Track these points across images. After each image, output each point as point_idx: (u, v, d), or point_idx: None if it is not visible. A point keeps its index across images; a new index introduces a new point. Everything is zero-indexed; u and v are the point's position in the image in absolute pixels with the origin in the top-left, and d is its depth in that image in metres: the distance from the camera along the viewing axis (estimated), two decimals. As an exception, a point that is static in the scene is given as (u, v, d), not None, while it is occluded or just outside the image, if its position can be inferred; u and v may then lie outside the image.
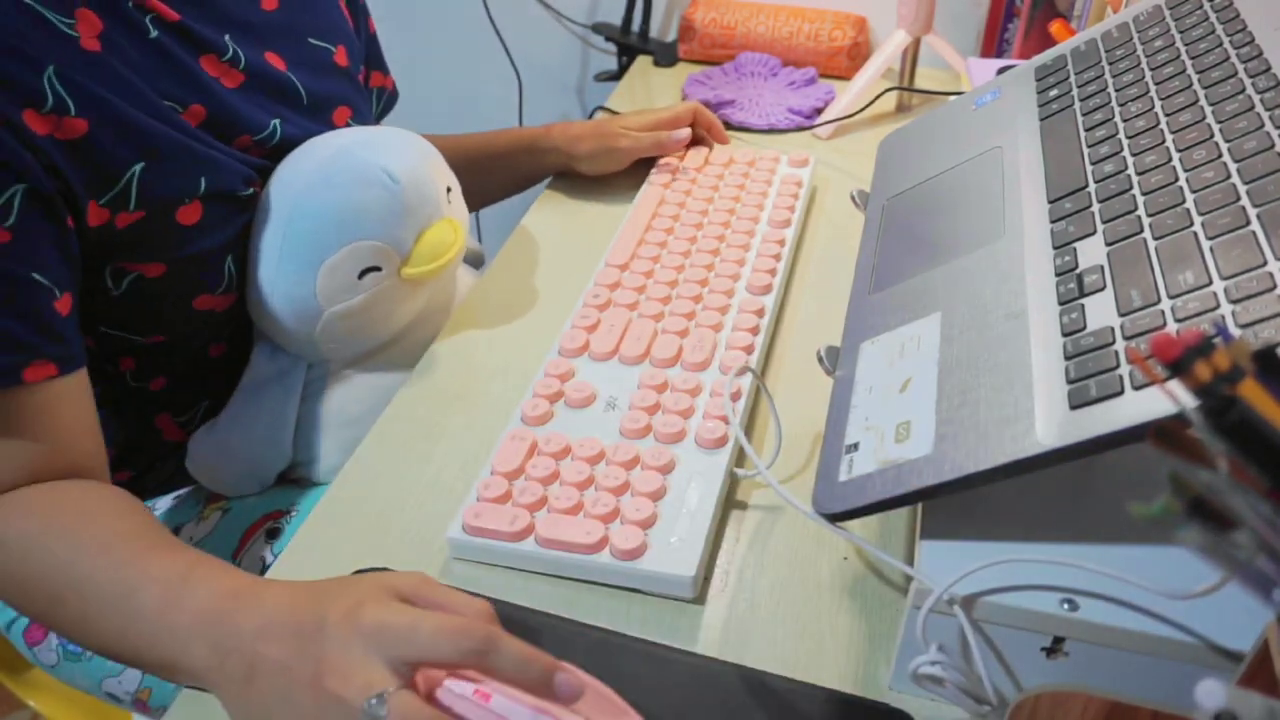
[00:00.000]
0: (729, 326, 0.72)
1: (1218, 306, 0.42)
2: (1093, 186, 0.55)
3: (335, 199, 0.67)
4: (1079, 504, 0.47)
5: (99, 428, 0.62)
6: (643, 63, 1.28)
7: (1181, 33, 0.64)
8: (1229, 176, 0.49)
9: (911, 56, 1.08)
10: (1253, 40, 0.58)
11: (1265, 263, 0.42)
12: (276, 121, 0.70)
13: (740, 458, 0.63)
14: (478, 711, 0.42)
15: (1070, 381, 0.43)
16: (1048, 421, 0.43)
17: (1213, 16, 0.64)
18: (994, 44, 1.17)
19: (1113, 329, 0.44)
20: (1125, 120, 0.59)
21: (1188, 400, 0.26)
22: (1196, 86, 0.58)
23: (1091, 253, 0.50)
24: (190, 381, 0.76)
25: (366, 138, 0.70)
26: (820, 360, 0.59)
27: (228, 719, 0.46)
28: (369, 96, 0.87)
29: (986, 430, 0.44)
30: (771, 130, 1.07)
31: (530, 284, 0.83)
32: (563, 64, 1.47)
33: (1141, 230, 0.49)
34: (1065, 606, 0.42)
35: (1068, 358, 0.45)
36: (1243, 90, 0.55)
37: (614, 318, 0.72)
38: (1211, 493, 0.25)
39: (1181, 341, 0.26)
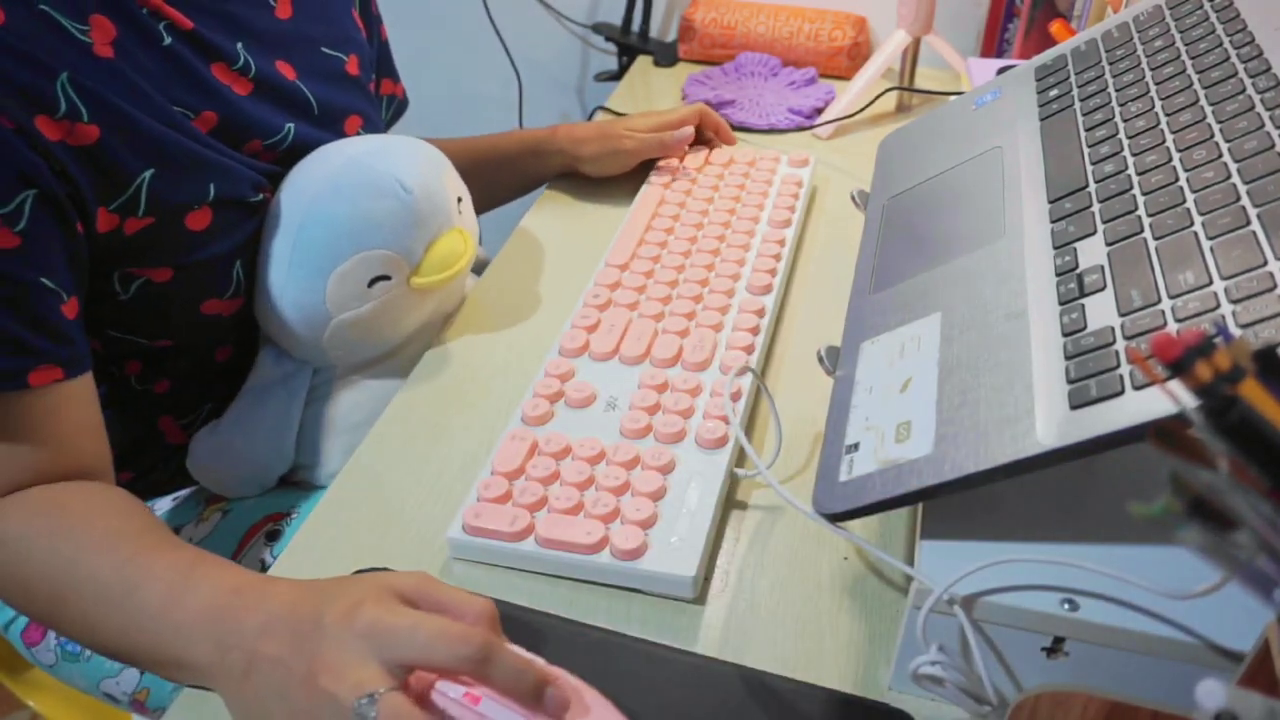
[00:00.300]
0: (729, 326, 0.72)
1: (1218, 306, 0.42)
2: (1093, 186, 0.55)
3: (347, 208, 0.67)
4: (1079, 504, 0.47)
5: (104, 430, 0.62)
6: (643, 63, 1.28)
7: (1181, 33, 0.64)
8: (1229, 176, 0.49)
9: (911, 56, 1.08)
10: (1253, 40, 0.58)
11: (1265, 263, 0.42)
12: (290, 126, 0.70)
13: (740, 458, 0.63)
14: (467, 714, 0.42)
15: (1070, 381, 0.43)
16: (1048, 421, 0.43)
17: (1213, 16, 0.64)
18: (994, 44, 1.17)
19: (1113, 329, 0.44)
20: (1125, 120, 0.59)
21: (1188, 400, 0.26)
22: (1197, 86, 0.58)
23: (1092, 253, 0.50)
24: (195, 384, 0.77)
25: (379, 147, 0.70)
26: (820, 360, 0.59)
27: (226, 719, 0.46)
28: (379, 104, 0.87)
29: (987, 430, 0.44)
30: (771, 130, 1.07)
31: (530, 284, 0.83)
32: (563, 64, 1.47)
33: (1142, 230, 0.49)
34: (1065, 606, 0.42)
35: (1068, 358, 0.45)
36: (1243, 90, 0.55)
37: (614, 318, 0.72)
38: (1212, 493, 0.25)
39: (1182, 341, 0.26)
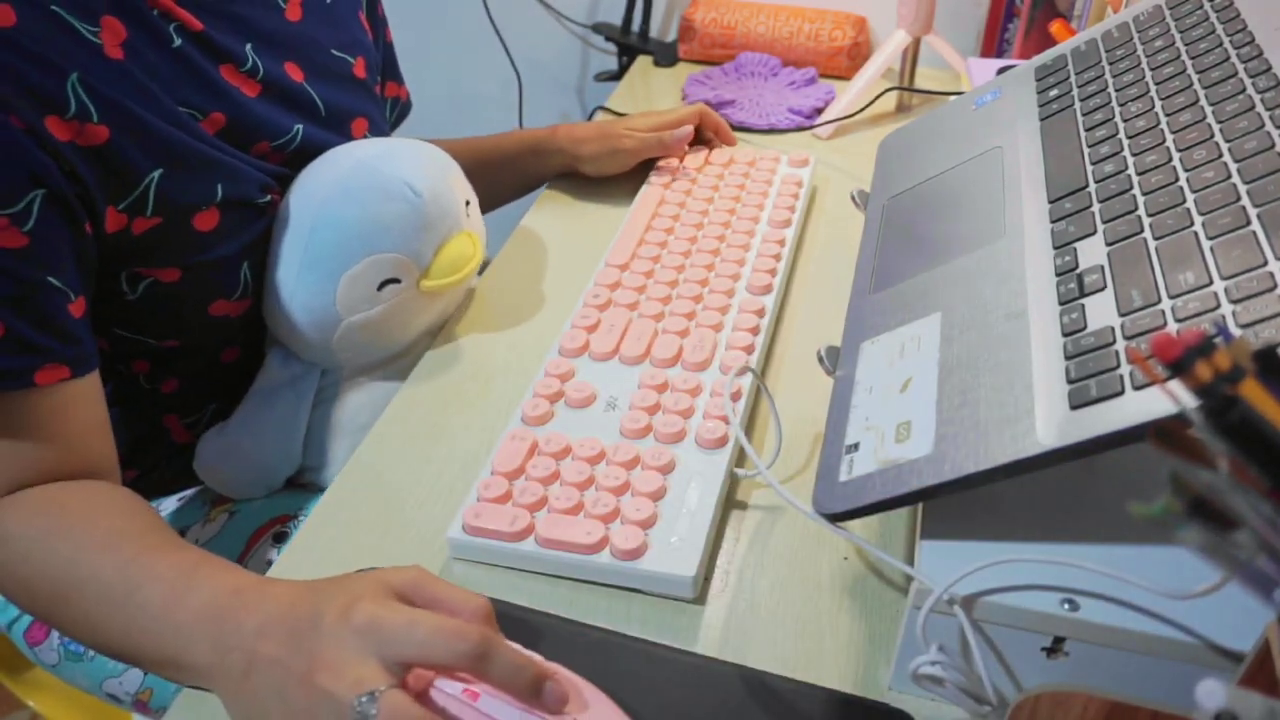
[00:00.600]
0: (729, 326, 0.72)
1: (1218, 306, 0.42)
2: (1093, 186, 0.55)
3: (357, 211, 0.67)
4: (1079, 504, 0.47)
5: (110, 429, 0.62)
6: (643, 63, 1.28)
7: (1181, 33, 0.64)
8: (1229, 176, 0.49)
9: (911, 56, 1.08)
10: (1253, 40, 0.58)
11: (1265, 262, 0.42)
12: (298, 127, 0.70)
13: (740, 458, 0.63)
14: (466, 711, 0.42)
15: (1071, 381, 0.43)
16: (1048, 421, 0.43)
17: (1213, 16, 0.64)
18: (994, 44, 1.17)
19: (1113, 329, 0.44)
20: (1125, 120, 0.59)
21: (1188, 400, 0.26)
22: (1197, 86, 0.58)
23: (1092, 253, 0.50)
24: (202, 384, 0.77)
25: (387, 150, 0.70)
26: (820, 360, 0.59)
27: None
28: (384, 107, 0.87)
29: (987, 430, 0.44)
30: (771, 130, 1.07)
31: (530, 284, 0.83)
32: (563, 64, 1.47)
33: (1142, 230, 0.49)
34: (1065, 606, 0.42)
35: (1068, 358, 0.45)
36: (1243, 90, 0.55)
37: (614, 318, 0.72)
38: (1212, 493, 0.25)
39: (1182, 341, 0.26)
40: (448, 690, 0.43)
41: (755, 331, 0.71)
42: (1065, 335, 0.46)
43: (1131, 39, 0.68)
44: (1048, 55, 0.73)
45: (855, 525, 0.57)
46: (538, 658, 0.44)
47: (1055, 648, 0.43)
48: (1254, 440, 0.25)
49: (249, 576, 0.50)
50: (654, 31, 1.33)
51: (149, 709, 0.74)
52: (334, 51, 0.75)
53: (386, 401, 0.71)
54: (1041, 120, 0.65)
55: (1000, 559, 0.44)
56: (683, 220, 0.85)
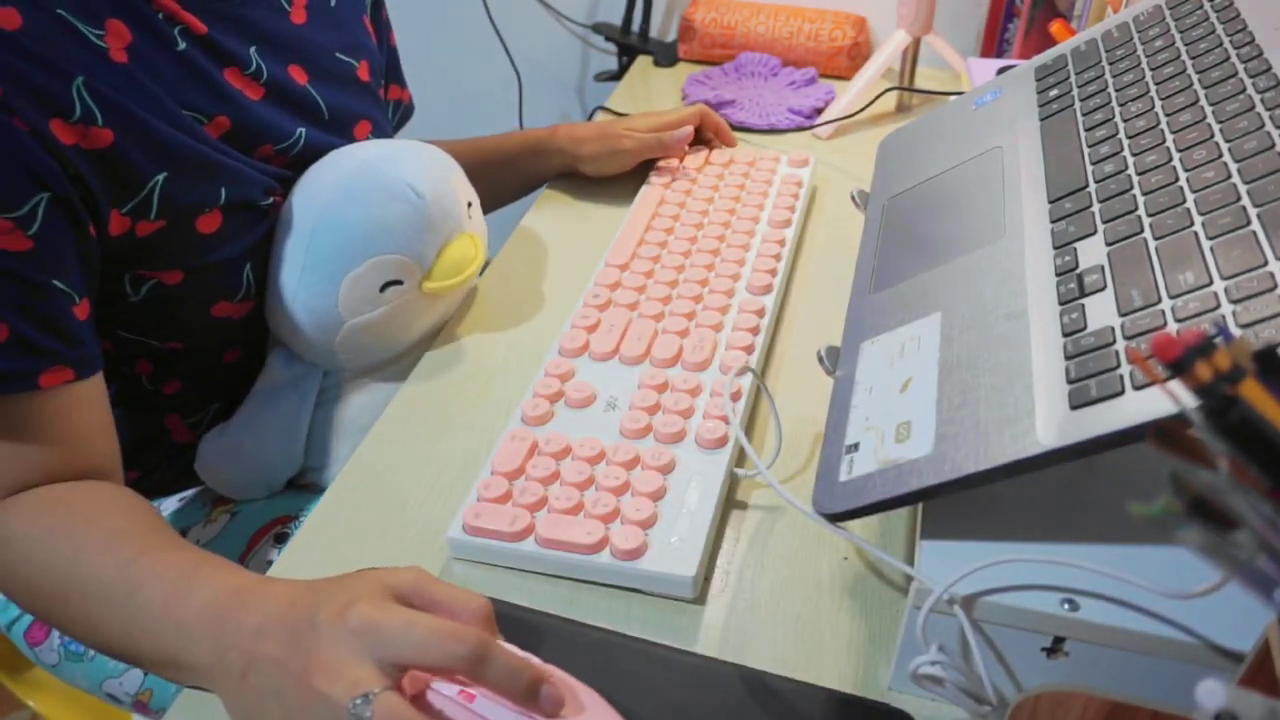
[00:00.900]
0: (729, 326, 0.72)
1: (1218, 306, 0.42)
2: (1093, 186, 0.55)
3: (360, 213, 0.67)
4: (1079, 504, 0.47)
5: (114, 430, 0.62)
6: (643, 63, 1.28)
7: (1181, 33, 0.64)
8: (1229, 176, 0.49)
9: (911, 56, 1.08)
10: (1253, 40, 0.58)
11: (1266, 263, 0.42)
12: (302, 130, 0.70)
13: (740, 458, 0.63)
14: (461, 713, 0.42)
15: (1071, 381, 0.43)
16: (1048, 421, 0.43)
17: (1213, 16, 0.64)
18: (994, 44, 1.17)
19: (1113, 329, 0.44)
20: (1125, 120, 0.59)
21: (1188, 400, 0.26)
22: (1197, 86, 0.58)
23: (1092, 253, 0.50)
24: (204, 385, 0.77)
25: (390, 152, 0.70)
26: (820, 360, 0.59)
27: None
28: (388, 110, 0.87)
29: (987, 430, 0.44)
30: (771, 130, 1.07)
31: (530, 284, 0.83)
32: (563, 64, 1.47)
33: (1142, 230, 0.49)
34: (1065, 606, 0.42)
35: (1068, 358, 0.45)
36: (1243, 90, 0.55)
37: (614, 318, 0.72)
38: (1212, 493, 0.25)
39: (1182, 341, 0.26)
40: (444, 692, 0.43)
41: (755, 331, 0.71)
42: (1065, 335, 0.46)
43: (1131, 39, 0.68)
44: (1048, 55, 0.73)
45: (855, 525, 0.57)
46: (535, 660, 0.44)
47: (1055, 648, 0.43)
48: (1254, 440, 0.25)
49: (249, 576, 0.50)
50: (654, 31, 1.33)
51: (149, 709, 0.74)
52: (338, 54, 0.76)
53: (388, 402, 0.72)
54: (1041, 120, 0.65)
55: (1000, 559, 0.44)
56: (683, 220, 0.85)
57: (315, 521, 0.61)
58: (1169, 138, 0.55)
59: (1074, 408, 0.42)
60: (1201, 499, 0.25)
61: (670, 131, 0.91)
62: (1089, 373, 0.43)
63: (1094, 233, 0.52)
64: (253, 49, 0.67)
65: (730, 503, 0.61)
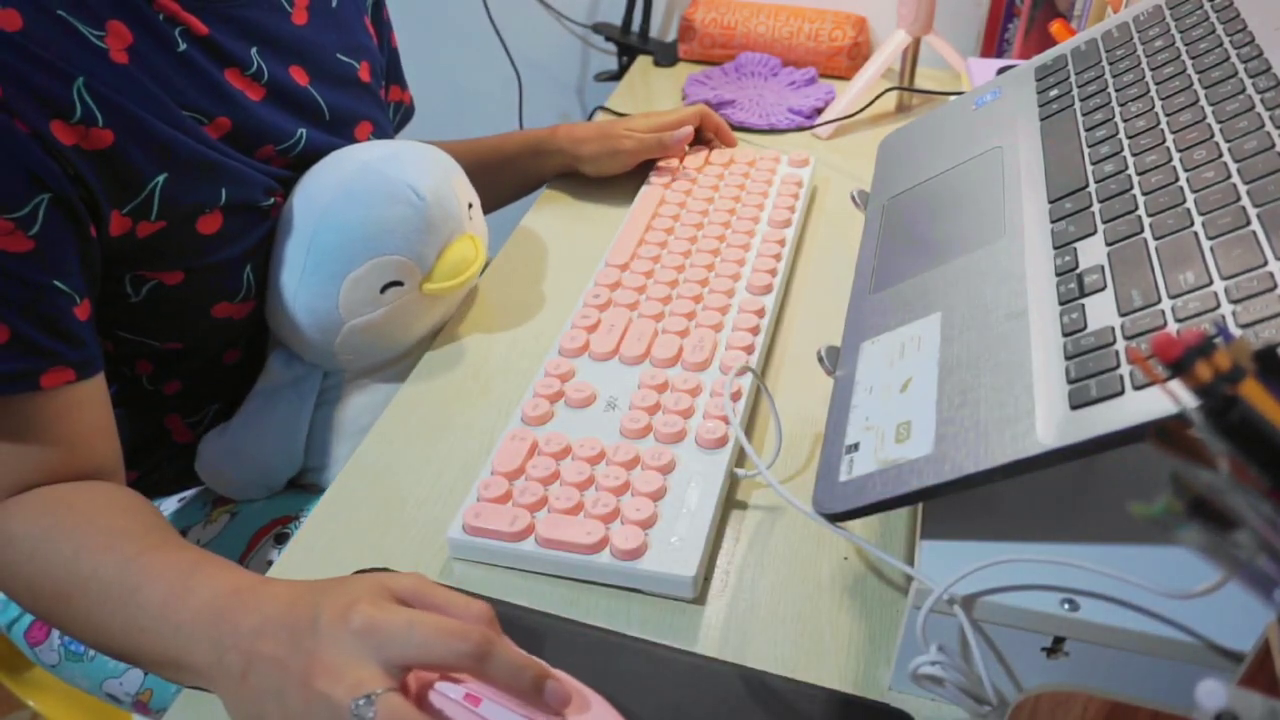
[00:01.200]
0: (729, 326, 0.72)
1: (1218, 306, 0.42)
2: (1093, 186, 0.55)
3: (361, 214, 0.67)
4: (1079, 504, 0.47)
5: (115, 430, 0.62)
6: (643, 63, 1.28)
7: (1181, 33, 0.64)
8: (1229, 176, 0.49)
9: (911, 56, 1.08)
10: (1253, 40, 0.58)
11: (1266, 263, 0.42)
12: (302, 131, 0.70)
13: (740, 458, 0.63)
14: (467, 715, 0.42)
15: (1071, 381, 0.43)
16: (1048, 421, 0.43)
17: (1213, 16, 0.64)
18: (994, 44, 1.17)
19: (1113, 329, 0.44)
20: (1125, 120, 0.59)
21: (1188, 400, 0.26)
22: (1197, 86, 0.58)
23: (1092, 252, 0.50)
24: (204, 385, 0.77)
25: (391, 153, 0.70)
26: (820, 360, 0.59)
27: None
28: (389, 111, 0.87)
29: (987, 430, 0.44)
30: (771, 130, 1.07)
31: (530, 284, 0.83)
32: (563, 64, 1.47)
33: (1142, 230, 0.49)
34: (1065, 606, 0.42)
35: (1068, 358, 0.45)
36: (1243, 90, 0.55)
37: (614, 318, 0.72)
38: (1212, 493, 0.25)
39: (1182, 341, 0.26)
40: (448, 694, 0.43)
41: (755, 331, 0.71)
42: (1065, 335, 0.46)
43: (1131, 39, 0.68)
44: (1048, 55, 0.73)
45: (855, 525, 0.57)
46: (538, 662, 0.44)
47: (1055, 648, 0.43)
48: (1254, 440, 0.25)
49: (249, 576, 0.50)
50: (654, 31, 1.33)
51: (149, 709, 0.74)
52: (339, 55, 0.76)
53: (388, 403, 0.72)
54: (1041, 120, 0.65)
55: (1000, 559, 0.44)
56: (683, 220, 0.85)
57: (315, 521, 0.61)
58: (1169, 138, 0.55)
59: (1074, 408, 0.42)
60: (1201, 499, 0.25)
61: (670, 132, 0.91)
62: (1089, 373, 0.43)
63: (1094, 233, 0.52)
64: (254, 50, 0.67)
65: (730, 503, 0.61)
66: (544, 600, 0.55)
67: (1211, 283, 0.43)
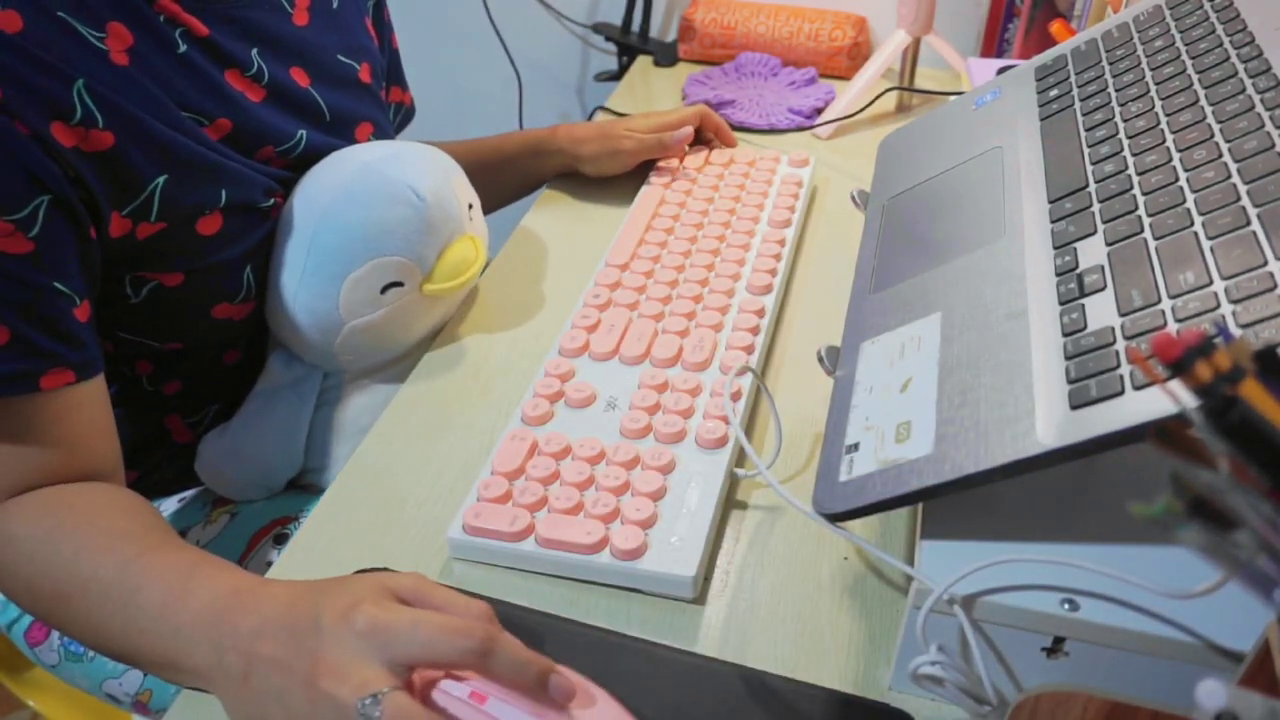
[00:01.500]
0: (729, 326, 0.72)
1: (1218, 306, 0.42)
2: (1093, 186, 0.55)
3: (362, 214, 0.67)
4: (1079, 504, 0.47)
5: (115, 431, 0.62)
6: (643, 63, 1.28)
7: (1181, 33, 0.64)
8: (1229, 176, 0.49)
9: (911, 56, 1.08)
10: (1253, 40, 0.58)
11: (1266, 262, 0.42)
12: (303, 132, 0.70)
13: (740, 458, 0.63)
14: (473, 713, 0.42)
15: (1071, 381, 0.43)
16: (1048, 421, 0.43)
17: (1213, 16, 0.64)
18: (994, 44, 1.17)
19: (1113, 329, 0.44)
20: (1125, 120, 0.59)
21: (1188, 400, 0.26)
22: (1197, 86, 0.58)
23: (1092, 252, 0.50)
24: (204, 386, 0.77)
25: (391, 153, 0.70)
26: (820, 360, 0.59)
27: (227, 720, 0.46)
28: (389, 112, 0.87)
29: (987, 430, 0.44)
30: (771, 130, 1.07)
31: (530, 284, 0.83)
32: (563, 64, 1.47)
33: (1142, 230, 0.49)
34: (1065, 606, 0.42)
35: (1068, 358, 0.45)
36: (1243, 90, 0.55)
37: (614, 318, 0.72)
38: (1212, 493, 0.25)
39: (1182, 341, 0.26)
40: (454, 693, 0.43)
41: (755, 331, 0.71)
42: (1065, 335, 0.46)
43: (1131, 39, 0.68)
44: (1048, 55, 0.73)
45: (855, 525, 0.57)
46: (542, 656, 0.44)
47: (1055, 648, 0.43)
48: (1254, 440, 0.25)
49: (248, 577, 0.50)
50: (654, 31, 1.33)
51: (148, 710, 0.74)
52: (340, 57, 0.76)
53: (388, 403, 0.72)
54: (1041, 120, 0.65)
55: (1000, 559, 0.44)
56: (683, 220, 0.85)
57: (315, 522, 0.61)
58: (1169, 138, 0.55)
59: (1074, 408, 0.42)
60: (1201, 499, 0.25)
61: (670, 132, 0.91)
62: (1089, 373, 0.43)
63: (1094, 233, 0.52)
64: (254, 51, 0.67)
65: (730, 503, 0.61)
66: (544, 600, 0.55)
67: (1211, 283, 0.43)
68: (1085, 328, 0.46)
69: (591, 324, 0.72)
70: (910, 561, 0.48)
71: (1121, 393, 0.41)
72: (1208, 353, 0.26)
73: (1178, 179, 0.51)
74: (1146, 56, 0.64)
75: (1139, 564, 0.42)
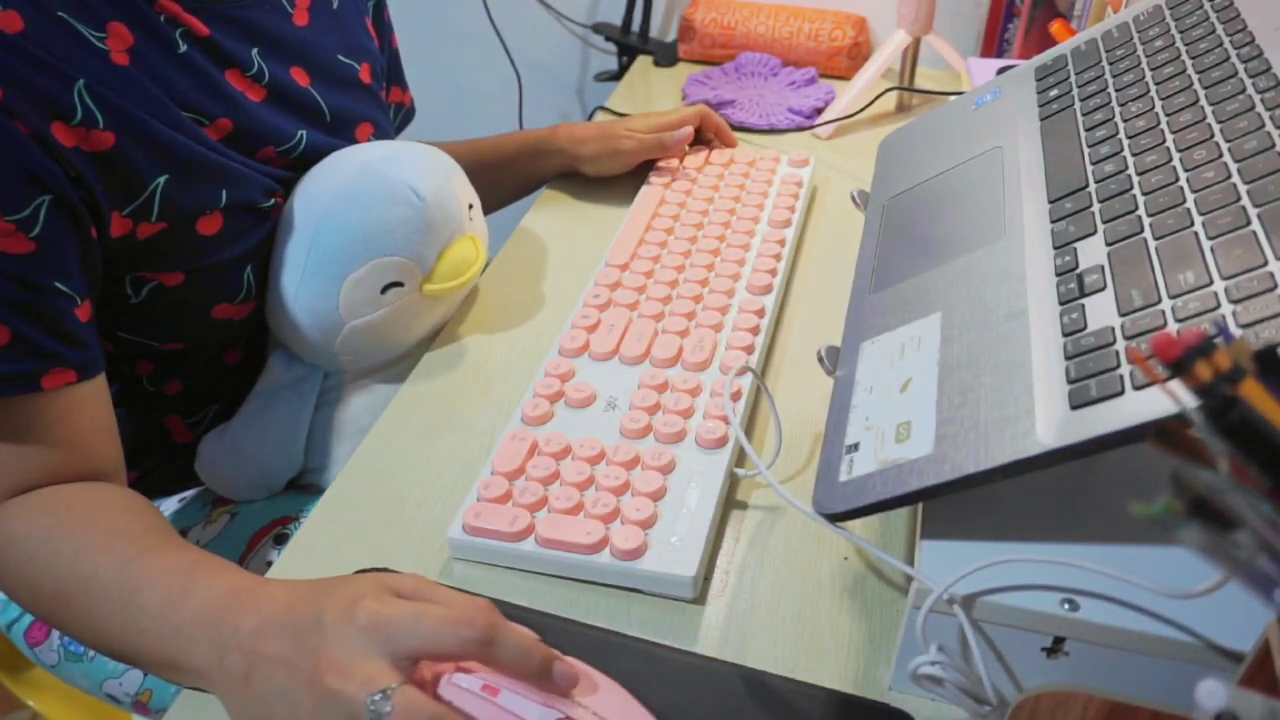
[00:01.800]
0: (729, 326, 0.72)
1: (1218, 306, 0.42)
2: (1093, 186, 0.55)
3: (362, 215, 0.67)
4: (1079, 504, 0.47)
5: (116, 431, 0.62)
6: (643, 63, 1.28)
7: (1181, 33, 0.64)
8: (1229, 176, 0.49)
9: (911, 56, 1.08)
10: (1253, 40, 0.58)
11: (1266, 262, 0.42)
12: (303, 133, 0.70)
13: (740, 458, 0.63)
14: (485, 706, 0.42)
15: (1071, 381, 0.43)
16: (1048, 421, 0.43)
17: (1213, 16, 0.64)
18: (994, 44, 1.17)
19: (1113, 329, 0.44)
20: (1125, 120, 0.59)
21: (1188, 400, 0.26)
22: (1197, 86, 0.58)
23: (1092, 252, 0.50)
24: (204, 386, 0.77)
25: (392, 154, 0.70)
26: (820, 360, 0.59)
27: None
28: (389, 112, 0.88)
29: (987, 430, 0.44)
30: (771, 130, 1.07)
31: (530, 284, 0.83)
32: (563, 64, 1.47)
33: (1142, 230, 0.49)
34: (1065, 606, 0.42)
35: (1068, 358, 0.45)
36: (1243, 90, 0.55)
37: (614, 318, 0.72)
38: (1212, 493, 0.25)
39: (1182, 341, 0.26)
40: (465, 685, 0.43)
41: (755, 331, 0.71)
42: (1065, 335, 0.46)
43: (1131, 39, 0.68)
44: (1048, 55, 0.73)
45: (855, 525, 0.57)
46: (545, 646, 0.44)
47: (1055, 648, 0.43)
48: (1254, 440, 0.25)
49: (248, 577, 0.50)
50: (654, 31, 1.33)
51: (148, 710, 0.74)
52: (340, 57, 0.76)
53: (388, 403, 0.72)
54: (1041, 120, 0.65)
55: (1000, 559, 0.44)
56: (683, 220, 0.85)
57: (315, 522, 0.61)
58: (1169, 138, 0.55)
59: (1074, 408, 0.42)
60: (1201, 499, 0.25)
61: (670, 132, 0.91)
62: (1089, 373, 0.43)
63: (1094, 233, 0.52)
64: (254, 51, 0.67)
65: (730, 503, 0.61)
66: (544, 600, 0.55)
67: (1211, 283, 0.43)
68: (1085, 328, 0.46)
69: (591, 324, 0.72)
70: (910, 561, 0.48)
71: (1121, 393, 0.41)
72: (1208, 353, 0.26)
73: (1178, 179, 0.51)
74: (1146, 56, 0.64)
75: (1139, 564, 0.42)
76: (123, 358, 0.72)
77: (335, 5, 0.76)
